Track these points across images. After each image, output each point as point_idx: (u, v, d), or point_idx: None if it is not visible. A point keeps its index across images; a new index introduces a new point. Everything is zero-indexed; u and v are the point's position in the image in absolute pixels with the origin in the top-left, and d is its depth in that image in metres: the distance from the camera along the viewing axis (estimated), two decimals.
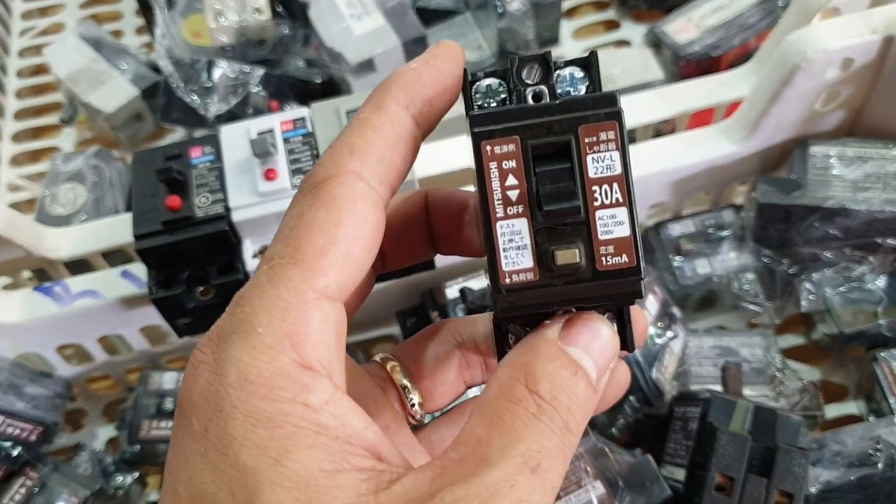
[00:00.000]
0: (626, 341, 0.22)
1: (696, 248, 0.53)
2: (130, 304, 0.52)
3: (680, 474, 0.43)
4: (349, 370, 0.22)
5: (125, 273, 0.52)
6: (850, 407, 0.52)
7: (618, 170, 0.20)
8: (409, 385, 0.26)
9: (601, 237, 0.20)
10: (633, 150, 0.53)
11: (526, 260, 0.20)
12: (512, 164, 0.20)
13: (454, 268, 0.54)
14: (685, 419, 0.45)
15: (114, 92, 0.72)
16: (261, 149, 0.45)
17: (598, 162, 0.20)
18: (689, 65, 0.66)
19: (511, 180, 0.20)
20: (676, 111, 0.55)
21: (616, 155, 0.20)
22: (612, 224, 0.20)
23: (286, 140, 0.47)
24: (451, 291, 0.53)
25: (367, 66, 0.61)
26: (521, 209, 0.20)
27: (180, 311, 0.47)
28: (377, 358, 0.27)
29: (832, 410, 0.51)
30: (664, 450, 0.45)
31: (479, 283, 0.54)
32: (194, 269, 0.46)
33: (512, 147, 0.20)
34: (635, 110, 0.55)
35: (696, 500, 0.39)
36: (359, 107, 0.47)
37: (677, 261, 0.53)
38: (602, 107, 0.20)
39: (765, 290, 0.52)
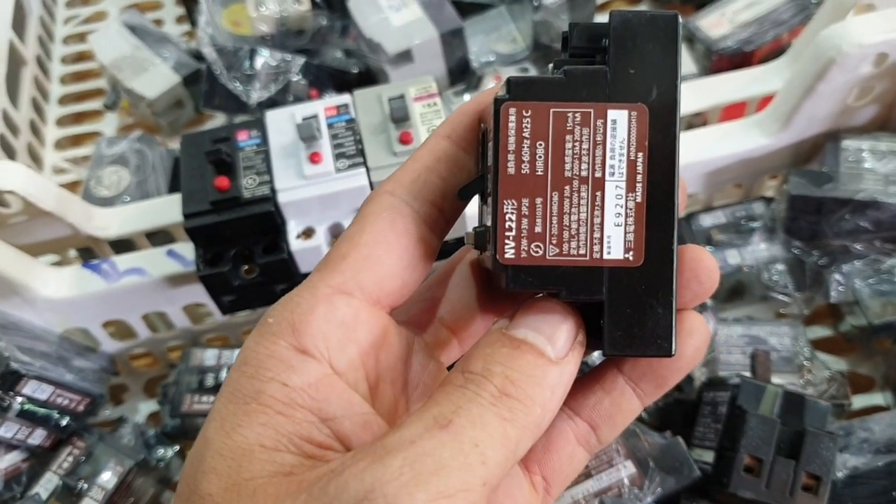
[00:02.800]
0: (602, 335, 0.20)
1: (727, 238, 0.54)
2: (175, 282, 0.53)
3: (709, 456, 0.44)
4: (398, 349, 0.22)
5: (170, 252, 0.54)
6: (878, 398, 0.52)
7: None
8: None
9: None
10: None
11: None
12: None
13: None
14: (714, 404, 0.46)
15: (156, 79, 0.74)
16: (307, 133, 0.46)
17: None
18: (721, 59, 0.66)
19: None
20: (709, 104, 0.56)
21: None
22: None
23: (330, 125, 0.48)
24: None
25: (405, 56, 0.63)
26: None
27: (225, 288, 0.48)
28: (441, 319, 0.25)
29: (859, 401, 0.52)
30: (693, 433, 0.46)
31: None
32: (240, 248, 0.48)
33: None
34: None
35: (725, 481, 0.40)
36: (400, 94, 0.48)
37: (709, 251, 0.54)
38: None
39: (794, 281, 0.53)
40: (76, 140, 0.81)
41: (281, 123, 0.49)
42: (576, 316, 0.20)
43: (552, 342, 0.20)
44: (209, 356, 0.55)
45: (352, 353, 0.21)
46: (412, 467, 0.17)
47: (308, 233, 0.48)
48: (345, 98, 0.50)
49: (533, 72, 0.68)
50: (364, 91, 0.50)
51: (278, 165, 0.48)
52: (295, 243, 0.47)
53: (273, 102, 0.63)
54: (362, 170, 0.47)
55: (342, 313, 0.21)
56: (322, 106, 0.49)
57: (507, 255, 0.20)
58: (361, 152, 0.47)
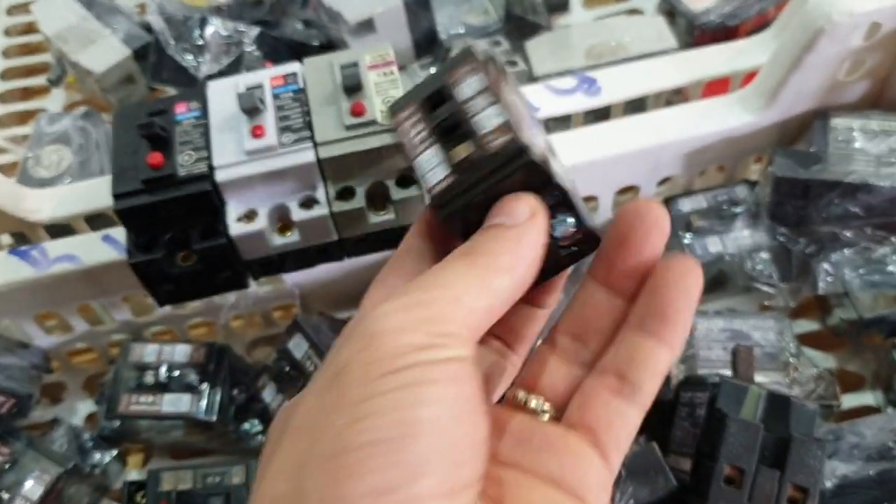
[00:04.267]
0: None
1: (708, 224, 0.50)
2: (111, 270, 0.49)
3: (686, 464, 0.40)
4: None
5: (106, 237, 0.50)
6: (868, 398, 0.49)
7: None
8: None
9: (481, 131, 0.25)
10: (644, 120, 0.50)
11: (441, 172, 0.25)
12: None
13: None
14: (692, 405, 0.42)
15: (104, 52, 0.69)
16: (248, 103, 0.42)
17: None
18: (704, 34, 0.63)
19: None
20: (690, 79, 0.52)
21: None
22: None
23: (276, 96, 0.44)
24: None
25: (367, 26, 0.59)
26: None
27: (161, 277, 0.44)
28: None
29: (848, 400, 0.48)
30: (670, 437, 0.42)
31: None
32: (176, 232, 0.44)
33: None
34: (646, 77, 0.52)
35: (703, 492, 0.36)
36: (353, 62, 0.44)
37: (687, 238, 0.50)
38: None
39: (779, 271, 0.49)
40: (22, 118, 0.76)
41: (223, 95, 0.45)
42: (535, 198, 0.23)
43: (509, 215, 0.23)
44: (149, 352, 0.51)
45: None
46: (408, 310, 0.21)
47: (250, 215, 0.43)
48: (293, 66, 0.45)
49: (505, 45, 0.64)
50: (315, 59, 0.46)
51: (217, 140, 0.43)
52: (235, 227, 0.43)
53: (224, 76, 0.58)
54: (309, 144, 0.42)
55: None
56: (268, 75, 0.45)
57: None
58: (309, 125, 0.43)
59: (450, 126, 0.29)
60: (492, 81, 0.26)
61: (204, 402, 0.49)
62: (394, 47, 0.60)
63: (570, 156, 0.49)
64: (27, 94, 0.77)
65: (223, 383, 0.50)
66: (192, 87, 0.60)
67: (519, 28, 0.64)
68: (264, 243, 0.44)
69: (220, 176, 0.42)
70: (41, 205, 0.52)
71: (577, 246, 0.26)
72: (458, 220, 0.25)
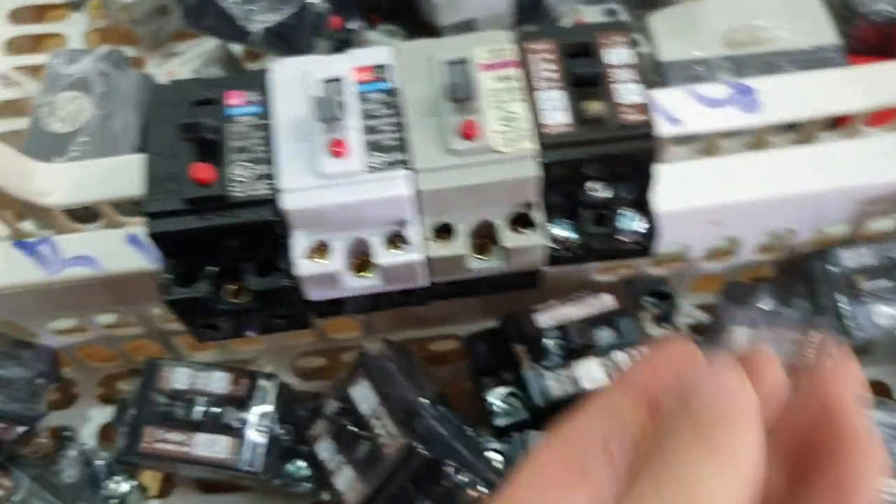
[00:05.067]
0: None
1: (876, 287, 0.40)
2: (137, 280, 0.40)
3: None
4: None
5: (133, 239, 0.40)
6: None
7: None
8: None
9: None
10: (811, 155, 0.40)
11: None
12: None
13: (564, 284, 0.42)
14: None
15: None
16: (328, 113, 0.32)
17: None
18: (869, 28, 0.51)
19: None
20: (878, 104, 0.41)
21: None
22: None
23: (362, 96, 0.34)
24: (544, 320, 0.41)
25: None
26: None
27: (204, 313, 0.35)
28: None
29: None
30: None
31: (582, 309, 0.42)
32: (225, 262, 0.34)
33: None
34: (818, 94, 0.41)
35: None
36: (461, 58, 0.33)
37: (845, 304, 0.40)
38: None
39: None
40: (35, 43, 0.65)
41: (291, 84, 0.34)
42: None
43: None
44: (180, 377, 0.42)
45: None
46: None
47: (320, 250, 0.34)
48: (383, 55, 0.35)
49: (622, 15, 0.52)
50: (410, 45, 0.35)
51: (284, 151, 0.33)
52: (302, 265, 0.33)
53: (280, 34, 0.47)
54: (403, 171, 0.32)
55: None
56: (350, 65, 0.34)
57: None
58: (404, 143, 0.33)
59: (585, 80, 0.33)
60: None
61: (247, 450, 0.41)
62: (491, 9, 0.49)
63: (716, 190, 0.39)
64: (42, 11, 0.66)
65: (269, 424, 0.42)
66: (240, 41, 0.49)
67: None
68: (336, 285, 0.34)
69: (288, 202, 0.32)
70: (53, 185, 0.42)
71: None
72: None
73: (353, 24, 0.50)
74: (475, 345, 0.44)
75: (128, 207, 0.44)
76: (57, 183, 0.42)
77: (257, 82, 0.35)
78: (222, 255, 0.34)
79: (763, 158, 0.40)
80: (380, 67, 0.34)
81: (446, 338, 0.51)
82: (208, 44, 0.56)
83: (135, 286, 0.40)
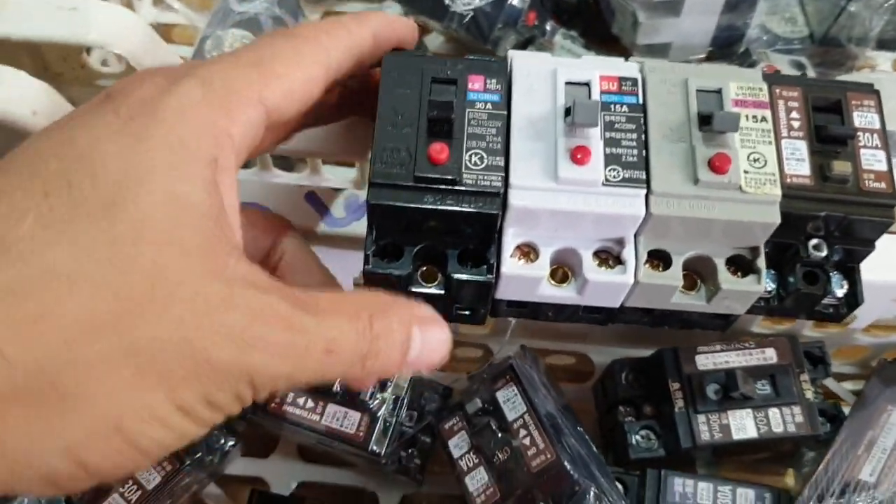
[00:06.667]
0: None
1: None
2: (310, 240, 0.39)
3: None
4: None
5: (309, 197, 0.40)
6: None
7: None
8: None
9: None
10: None
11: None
12: None
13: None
14: None
15: None
16: (587, 117, 0.31)
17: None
18: None
19: None
20: None
21: None
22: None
23: (606, 107, 0.33)
24: (706, 361, 0.40)
25: (672, 7, 0.46)
26: None
27: (391, 289, 0.34)
28: None
29: None
30: None
31: (743, 357, 0.41)
32: (429, 244, 0.33)
33: None
34: None
35: None
36: (716, 88, 0.32)
37: None
38: None
39: None
40: None
41: (532, 79, 0.34)
42: None
43: (419, 359, 0.27)
44: None
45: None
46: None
47: (528, 252, 0.33)
48: (631, 68, 0.34)
49: (810, 70, 0.51)
50: (661, 65, 0.34)
51: (519, 148, 0.32)
52: (511, 264, 0.33)
53: (479, 18, 0.46)
54: (641, 192, 0.32)
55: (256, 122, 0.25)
56: (598, 72, 0.34)
57: None
58: (646, 163, 0.32)
59: (832, 138, 0.33)
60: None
61: (377, 431, 0.40)
62: (690, 38, 0.48)
63: None
64: None
65: (398, 409, 0.41)
66: (437, 18, 0.48)
67: (831, 55, 0.51)
68: (533, 290, 0.33)
69: (516, 199, 0.31)
70: None
71: None
72: None
73: (546, 24, 0.49)
74: (618, 370, 0.43)
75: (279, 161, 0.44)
76: None
77: (499, 70, 0.34)
78: (429, 237, 0.33)
79: None
80: (626, 80, 0.33)
81: (568, 353, 0.51)
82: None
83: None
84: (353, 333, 0.24)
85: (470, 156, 0.32)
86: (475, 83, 0.33)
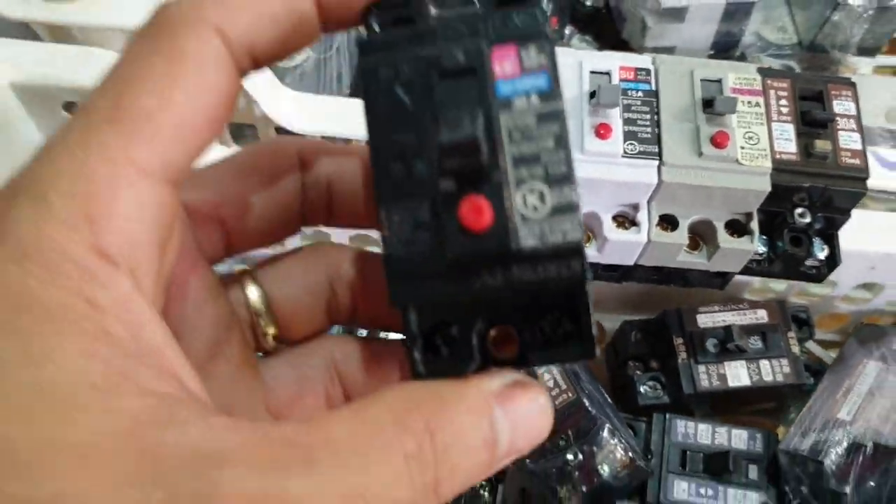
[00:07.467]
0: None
1: None
2: None
3: None
4: (205, 286, 0.20)
5: None
6: None
7: None
8: (264, 313, 0.22)
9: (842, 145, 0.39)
10: None
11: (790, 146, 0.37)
12: None
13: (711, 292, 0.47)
14: None
15: None
16: (609, 98, 0.37)
17: None
18: None
19: None
20: None
21: None
22: None
23: (624, 92, 0.39)
24: (706, 320, 0.46)
25: (677, 14, 0.52)
26: None
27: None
28: (236, 270, 0.23)
29: None
30: None
31: (738, 317, 0.47)
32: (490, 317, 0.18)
33: None
34: None
35: None
36: (717, 78, 0.38)
37: None
38: None
39: None
40: None
41: (562, 69, 0.40)
42: None
43: (511, 446, 0.18)
44: None
45: (154, 263, 0.16)
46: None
47: None
48: (645, 60, 0.40)
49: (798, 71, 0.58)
50: (670, 59, 0.40)
51: None
52: None
53: None
54: (654, 162, 0.38)
55: (148, 210, 0.16)
56: (618, 63, 0.40)
57: None
58: (658, 139, 0.38)
59: (815, 121, 0.39)
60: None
61: None
62: (692, 42, 0.54)
63: (884, 240, 0.44)
64: None
65: None
66: None
67: (817, 60, 0.58)
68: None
69: None
70: (296, 115, 0.47)
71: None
72: None
73: (566, 28, 0.55)
74: (628, 330, 0.49)
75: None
76: (298, 113, 0.47)
77: (535, 30, 0.40)
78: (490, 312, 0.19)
79: None
80: (641, 70, 0.40)
81: None
82: None
83: None
84: (401, 461, 0.15)
85: (523, 197, 0.18)
86: (505, 62, 0.19)
